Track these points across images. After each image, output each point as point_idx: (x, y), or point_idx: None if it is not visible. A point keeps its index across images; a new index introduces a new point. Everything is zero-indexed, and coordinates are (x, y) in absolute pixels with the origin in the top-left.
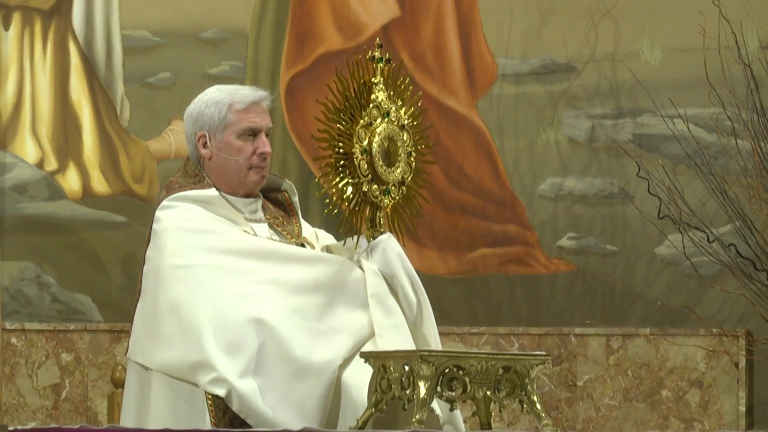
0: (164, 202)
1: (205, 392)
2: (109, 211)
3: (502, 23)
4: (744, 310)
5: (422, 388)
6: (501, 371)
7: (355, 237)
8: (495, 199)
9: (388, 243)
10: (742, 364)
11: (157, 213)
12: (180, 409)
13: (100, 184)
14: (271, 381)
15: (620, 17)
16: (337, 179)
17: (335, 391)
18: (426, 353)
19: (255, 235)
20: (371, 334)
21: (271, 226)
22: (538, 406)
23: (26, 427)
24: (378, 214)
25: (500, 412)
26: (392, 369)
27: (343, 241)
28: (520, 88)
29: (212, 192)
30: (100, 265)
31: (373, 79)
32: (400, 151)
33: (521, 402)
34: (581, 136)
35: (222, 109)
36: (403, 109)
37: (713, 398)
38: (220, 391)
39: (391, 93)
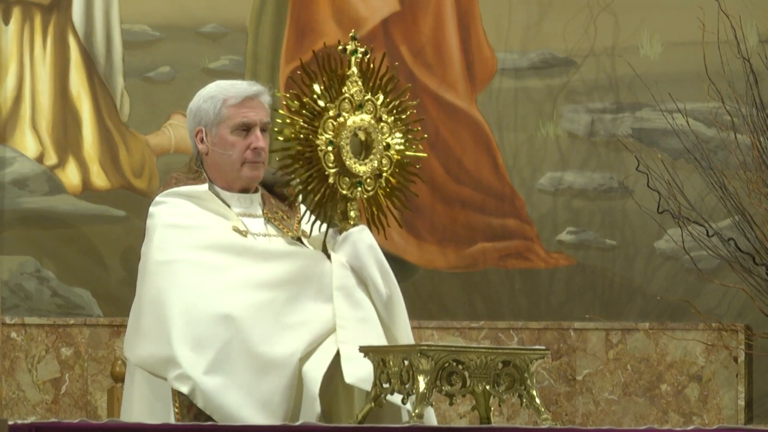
0: (157, 198)
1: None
2: (108, 206)
3: (501, 17)
4: (743, 304)
5: (422, 383)
6: (500, 365)
7: (322, 228)
8: (494, 193)
9: (359, 235)
10: (742, 358)
11: (150, 209)
12: (155, 404)
13: (99, 179)
14: (235, 377)
15: (619, 11)
16: (301, 171)
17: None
18: (425, 347)
19: (246, 229)
20: (334, 327)
21: (268, 221)
22: (538, 400)
23: (26, 422)
24: (350, 206)
25: (500, 406)
26: (392, 363)
27: (309, 233)
28: (520, 82)
29: (203, 187)
30: (99, 260)
31: (347, 72)
32: (376, 144)
33: (520, 396)
34: (580, 130)
35: (217, 104)
36: (381, 100)
37: (712, 392)
38: (184, 389)
39: (371, 85)
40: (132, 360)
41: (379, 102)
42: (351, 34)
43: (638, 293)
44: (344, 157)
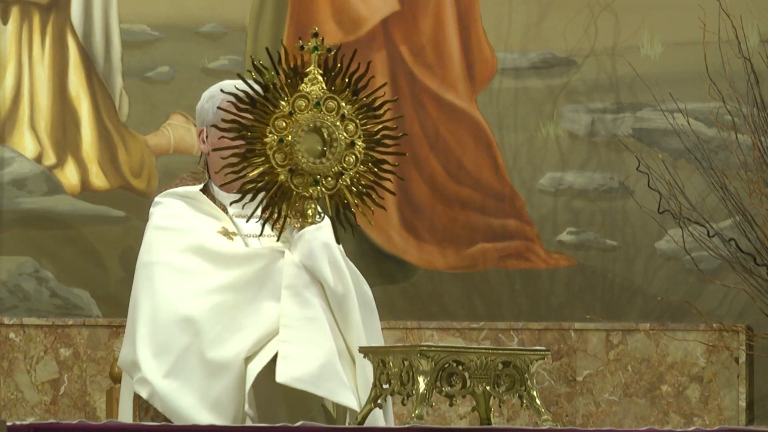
0: (156, 199)
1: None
2: (107, 206)
3: (501, 17)
4: (744, 304)
5: (422, 384)
6: (500, 366)
7: (266, 227)
8: (494, 193)
9: (314, 234)
10: (743, 359)
11: (150, 209)
12: (129, 403)
13: (98, 179)
14: (190, 381)
15: (620, 11)
16: (250, 170)
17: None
18: (425, 348)
19: (235, 230)
20: None
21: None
22: (538, 401)
23: (24, 423)
24: (308, 205)
25: (500, 407)
26: (391, 364)
27: (260, 232)
28: (520, 82)
29: (195, 188)
30: (98, 260)
31: (308, 69)
32: (336, 142)
33: (521, 397)
34: (581, 130)
35: (214, 104)
36: (349, 98)
37: (713, 393)
38: (143, 393)
39: (338, 82)
40: (119, 362)
41: (344, 100)
42: (312, 31)
43: (639, 294)
44: (298, 155)
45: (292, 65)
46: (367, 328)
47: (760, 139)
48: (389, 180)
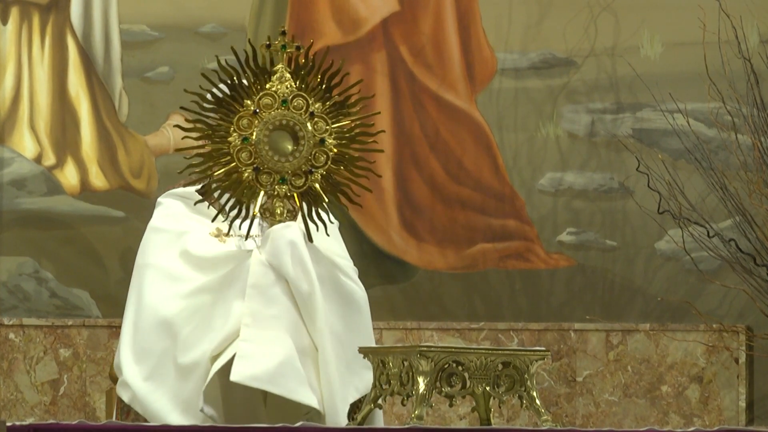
0: (158, 199)
1: None
2: (107, 206)
3: (501, 17)
4: (744, 305)
5: (421, 384)
6: (500, 367)
7: (234, 224)
8: (494, 193)
9: (280, 232)
10: (743, 359)
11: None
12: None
13: (98, 179)
14: (165, 384)
15: (620, 11)
16: (215, 169)
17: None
18: (425, 348)
19: (233, 230)
20: None
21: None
22: (538, 401)
23: (24, 423)
24: (277, 203)
25: (500, 407)
26: (391, 365)
27: (227, 231)
28: (520, 83)
29: (193, 188)
30: (98, 260)
31: (276, 67)
32: (304, 140)
33: (521, 397)
34: (581, 130)
35: None
36: (321, 95)
37: (713, 394)
38: (125, 397)
39: (310, 80)
40: None
41: (313, 98)
42: (280, 29)
43: (639, 294)
44: (263, 154)
45: (262, 64)
46: (349, 325)
47: (760, 139)
48: (365, 177)
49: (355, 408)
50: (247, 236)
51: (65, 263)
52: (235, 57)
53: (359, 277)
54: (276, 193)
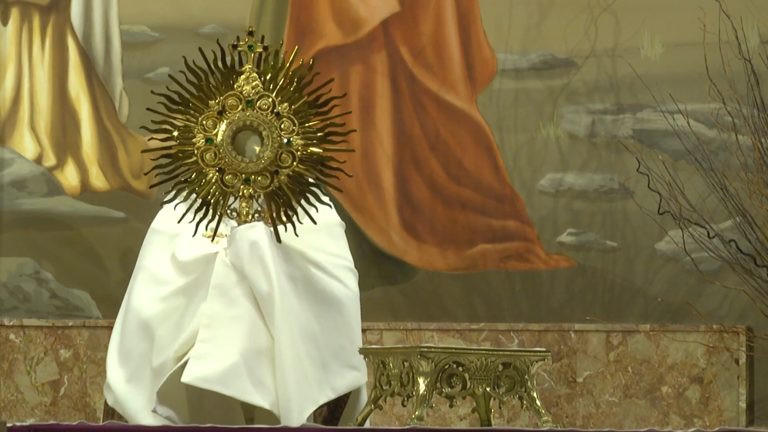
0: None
1: None
2: (107, 207)
3: (501, 18)
4: (744, 306)
5: (422, 385)
6: (501, 367)
7: (200, 225)
8: (494, 194)
9: (243, 233)
10: (743, 360)
11: None
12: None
13: (98, 180)
14: (142, 385)
15: (620, 12)
16: (182, 170)
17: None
18: (425, 349)
19: (222, 231)
20: None
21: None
22: (538, 402)
23: (25, 424)
24: (242, 204)
25: (500, 408)
26: (391, 365)
27: (194, 232)
28: (520, 83)
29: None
30: (98, 261)
31: (244, 68)
32: (269, 140)
33: (521, 398)
34: (581, 131)
35: None
36: (289, 96)
37: (713, 394)
38: (108, 400)
39: (279, 81)
40: None
41: (281, 98)
42: (248, 29)
43: (639, 295)
44: (227, 155)
45: (230, 65)
46: (327, 325)
47: (760, 140)
48: (335, 177)
49: (337, 406)
50: (213, 237)
51: (65, 264)
52: (202, 57)
53: (359, 277)
54: (241, 193)
